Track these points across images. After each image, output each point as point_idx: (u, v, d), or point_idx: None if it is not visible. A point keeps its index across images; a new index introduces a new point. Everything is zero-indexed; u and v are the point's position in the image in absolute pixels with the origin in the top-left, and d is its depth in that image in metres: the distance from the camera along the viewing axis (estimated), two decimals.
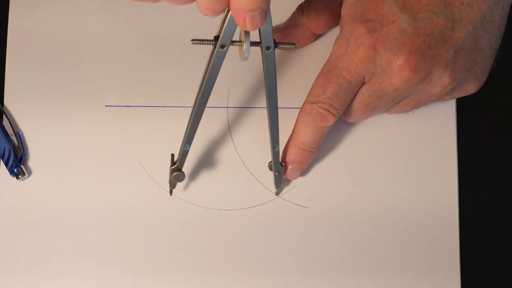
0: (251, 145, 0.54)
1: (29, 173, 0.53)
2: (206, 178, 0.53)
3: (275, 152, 0.49)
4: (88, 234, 0.52)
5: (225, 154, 0.54)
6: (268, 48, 0.41)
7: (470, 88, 0.49)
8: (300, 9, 0.52)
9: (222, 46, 0.40)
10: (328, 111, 0.48)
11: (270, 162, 0.51)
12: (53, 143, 0.54)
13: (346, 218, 0.53)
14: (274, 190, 0.53)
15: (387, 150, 0.54)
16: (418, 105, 0.50)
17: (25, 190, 0.53)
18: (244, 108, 0.54)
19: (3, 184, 0.53)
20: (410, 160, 0.54)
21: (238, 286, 0.52)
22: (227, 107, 0.54)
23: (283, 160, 0.51)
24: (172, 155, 0.50)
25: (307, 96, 0.49)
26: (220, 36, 0.39)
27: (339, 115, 0.49)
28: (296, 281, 0.52)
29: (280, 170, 0.51)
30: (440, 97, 0.49)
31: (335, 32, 0.55)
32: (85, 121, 0.54)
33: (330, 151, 0.54)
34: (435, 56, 0.46)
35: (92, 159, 0.53)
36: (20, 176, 0.53)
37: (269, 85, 0.44)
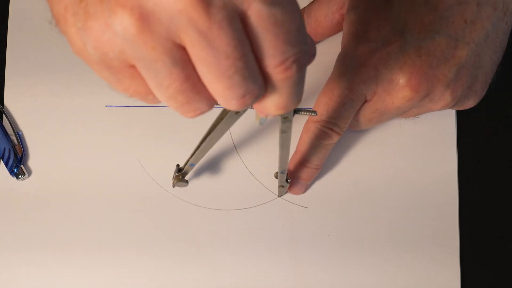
0: (251, 145, 0.54)
1: (29, 173, 0.53)
2: (206, 178, 0.53)
3: (281, 175, 0.49)
4: (88, 234, 0.52)
5: (225, 154, 0.54)
6: (286, 117, 0.38)
7: (469, 104, 0.49)
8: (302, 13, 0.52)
9: (237, 113, 0.37)
10: (332, 129, 0.48)
11: (277, 172, 0.50)
12: (53, 143, 0.54)
13: (346, 218, 0.53)
14: (274, 190, 0.53)
15: (387, 151, 0.54)
16: (418, 115, 0.51)
17: (25, 190, 0.53)
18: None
19: (3, 184, 0.53)
20: (410, 161, 0.54)
21: (238, 286, 0.52)
22: None
23: (289, 177, 0.51)
24: (177, 165, 0.49)
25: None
26: None
27: (342, 132, 0.49)
28: (296, 281, 0.52)
29: (285, 185, 0.51)
30: (441, 109, 0.49)
31: (335, 39, 0.55)
32: (85, 121, 0.54)
33: (330, 151, 0.54)
34: (437, 76, 0.45)
35: (92, 159, 0.53)
36: (20, 176, 0.53)
37: (283, 147, 0.43)
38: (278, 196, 0.53)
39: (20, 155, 0.53)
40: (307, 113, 0.39)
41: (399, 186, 0.53)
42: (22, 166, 0.53)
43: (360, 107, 0.48)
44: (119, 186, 0.53)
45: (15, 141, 0.54)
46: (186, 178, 0.50)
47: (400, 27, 0.46)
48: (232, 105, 0.30)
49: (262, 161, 0.53)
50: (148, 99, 0.32)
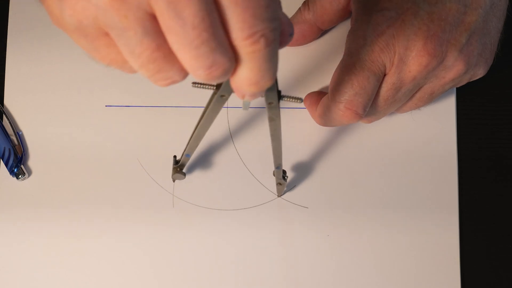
0: (251, 145, 0.54)
1: (29, 173, 0.53)
2: (206, 178, 0.53)
3: (277, 171, 0.48)
4: (88, 234, 0.52)
5: (225, 154, 0.54)
6: (270, 103, 0.39)
7: (480, 73, 0.49)
8: (306, 4, 0.51)
9: (222, 96, 0.38)
10: (357, 111, 0.47)
11: (273, 171, 0.50)
12: (53, 143, 0.54)
13: (346, 218, 0.53)
14: (274, 190, 0.53)
15: (387, 151, 0.54)
16: (431, 97, 0.49)
17: (25, 190, 0.53)
18: None
19: (3, 184, 0.53)
20: (410, 160, 0.54)
21: (238, 285, 0.52)
22: (227, 107, 0.54)
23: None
24: (175, 157, 0.49)
25: (332, 93, 0.47)
26: (221, 88, 0.37)
27: (366, 112, 0.47)
28: (296, 281, 0.52)
29: (282, 182, 0.50)
30: (453, 84, 0.49)
31: (338, 29, 0.55)
32: (85, 121, 0.54)
33: (330, 151, 0.54)
34: (450, 40, 0.45)
35: (92, 159, 0.53)
36: (20, 176, 0.53)
37: (274, 136, 0.43)
38: (278, 196, 0.53)
39: (20, 155, 0.53)
40: (292, 99, 0.39)
41: (399, 186, 0.53)
42: (22, 166, 0.53)
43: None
44: (119, 186, 0.53)
45: (15, 141, 0.54)
46: (184, 171, 0.49)
47: None
48: (200, 75, 0.31)
49: (262, 161, 0.53)
50: (125, 68, 0.33)
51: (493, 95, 0.55)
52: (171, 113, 0.54)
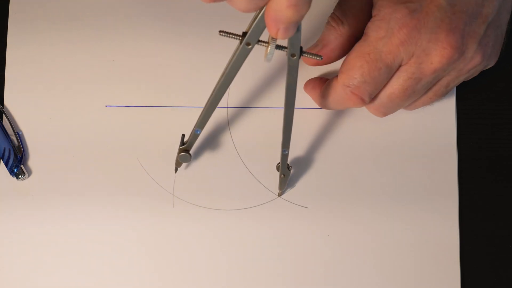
0: (251, 145, 0.54)
1: (29, 173, 0.53)
2: (206, 178, 0.53)
3: (283, 156, 0.48)
4: (88, 234, 0.52)
5: (225, 154, 0.54)
6: (293, 55, 0.41)
7: (491, 63, 0.50)
8: (337, 19, 0.49)
9: (248, 44, 0.39)
10: (362, 98, 0.48)
11: (278, 163, 0.50)
12: (53, 143, 0.54)
13: (346, 218, 0.53)
14: (274, 190, 0.53)
15: (387, 151, 0.54)
16: (446, 90, 0.50)
17: (25, 190, 0.53)
18: (244, 108, 0.54)
19: (3, 184, 0.53)
20: (410, 160, 0.54)
21: (238, 285, 0.52)
22: (227, 107, 0.54)
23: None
24: (183, 135, 0.50)
25: (341, 76, 0.48)
26: (248, 34, 0.39)
27: (370, 99, 0.48)
28: (296, 281, 0.52)
29: (286, 173, 0.50)
30: (468, 76, 0.49)
31: None
32: (85, 121, 0.54)
33: (330, 151, 0.54)
34: (470, 33, 0.46)
35: (92, 159, 0.53)
36: (20, 176, 0.53)
37: (289, 90, 0.43)
38: (280, 191, 0.52)
39: (20, 155, 0.53)
40: (313, 56, 0.42)
41: (399, 186, 0.53)
42: (22, 166, 0.53)
43: (394, 74, 0.47)
44: (119, 186, 0.53)
45: (15, 141, 0.54)
46: (190, 153, 0.50)
47: None
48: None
49: (262, 161, 0.53)
50: None
51: (493, 95, 0.55)
52: (171, 113, 0.54)
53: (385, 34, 0.46)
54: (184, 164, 0.53)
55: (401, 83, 0.47)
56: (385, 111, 0.51)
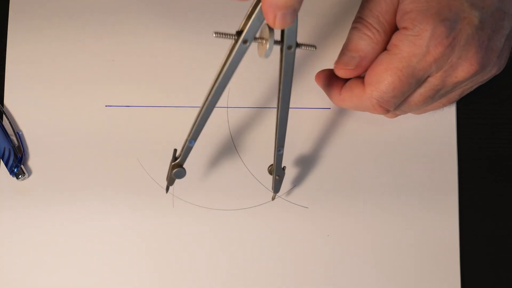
0: (251, 145, 0.54)
1: (29, 173, 0.53)
2: (206, 178, 0.53)
3: (278, 155, 0.48)
4: (88, 234, 0.52)
5: (225, 154, 0.54)
6: (290, 47, 0.40)
7: (499, 71, 0.50)
8: (371, 28, 0.47)
9: (245, 42, 0.39)
10: (388, 110, 0.48)
11: (270, 165, 0.50)
12: (53, 143, 0.54)
13: (346, 218, 0.53)
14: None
15: (387, 151, 0.54)
16: (459, 97, 0.50)
17: (25, 190, 0.53)
18: (244, 108, 0.54)
19: (3, 184, 0.53)
20: (411, 160, 0.54)
21: (238, 285, 0.52)
22: (227, 107, 0.54)
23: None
24: (175, 150, 0.48)
25: (370, 88, 0.47)
26: (245, 31, 0.39)
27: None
28: (296, 281, 0.52)
29: (281, 174, 0.49)
30: (480, 84, 0.50)
31: (335, 30, 0.55)
32: (85, 121, 0.54)
33: (330, 151, 0.54)
34: (492, 47, 0.46)
35: (92, 159, 0.53)
36: (20, 176, 0.53)
37: (284, 85, 0.43)
38: (273, 194, 0.52)
39: (20, 155, 0.53)
40: (308, 47, 0.41)
41: (399, 186, 0.53)
42: (22, 166, 0.53)
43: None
44: (119, 186, 0.53)
45: (15, 141, 0.54)
46: (184, 166, 0.47)
47: (469, 3, 0.45)
48: None
49: (262, 161, 0.53)
50: None
51: (493, 95, 0.55)
52: (171, 113, 0.54)
53: (420, 52, 0.45)
54: (184, 164, 0.53)
55: (422, 93, 0.48)
56: (397, 115, 0.51)
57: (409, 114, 0.54)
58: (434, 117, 0.54)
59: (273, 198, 0.53)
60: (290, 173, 0.53)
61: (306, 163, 0.54)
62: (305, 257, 0.52)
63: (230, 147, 0.54)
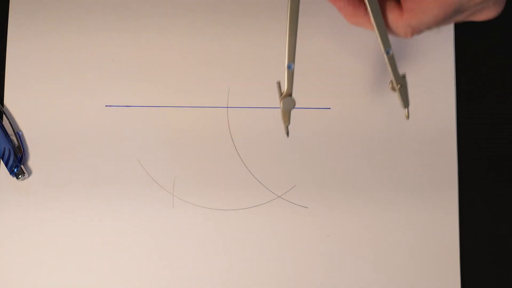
0: (251, 145, 0.54)
1: (29, 173, 0.53)
2: (206, 178, 0.53)
3: (390, 58, 0.44)
4: (88, 234, 0.52)
5: (225, 154, 0.54)
6: None
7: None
8: (396, 8, 0.45)
9: None
10: (414, 35, 0.45)
11: (390, 81, 0.46)
12: (53, 143, 0.54)
13: (346, 218, 0.53)
14: (274, 190, 0.53)
15: (387, 151, 0.54)
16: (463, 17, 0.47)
17: (25, 190, 0.53)
18: (244, 108, 0.54)
19: (3, 184, 0.53)
20: (411, 160, 0.54)
21: (238, 285, 0.52)
22: (227, 107, 0.54)
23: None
24: (278, 83, 0.46)
25: (411, 16, 0.44)
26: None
27: None
28: (296, 281, 0.52)
29: (403, 82, 0.46)
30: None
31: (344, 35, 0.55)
32: (85, 121, 0.54)
33: (330, 151, 0.54)
34: None
35: (92, 159, 0.53)
36: (20, 176, 0.53)
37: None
38: (405, 108, 0.48)
39: (20, 155, 0.53)
40: None
41: (399, 186, 0.53)
42: (22, 166, 0.53)
43: None
44: (119, 186, 0.53)
45: (15, 141, 0.54)
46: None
47: None
48: None
49: (262, 161, 0.53)
50: None
51: (493, 95, 0.55)
52: (171, 113, 0.54)
53: None
54: (184, 164, 0.53)
55: (443, 15, 0.45)
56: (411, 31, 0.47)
57: (409, 114, 0.54)
58: (434, 117, 0.54)
59: (407, 116, 0.49)
60: (290, 173, 0.53)
61: (306, 163, 0.54)
62: (305, 257, 0.52)
63: (230, 147, 0.54)
